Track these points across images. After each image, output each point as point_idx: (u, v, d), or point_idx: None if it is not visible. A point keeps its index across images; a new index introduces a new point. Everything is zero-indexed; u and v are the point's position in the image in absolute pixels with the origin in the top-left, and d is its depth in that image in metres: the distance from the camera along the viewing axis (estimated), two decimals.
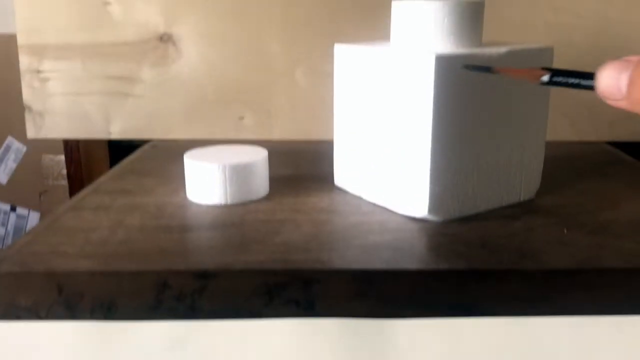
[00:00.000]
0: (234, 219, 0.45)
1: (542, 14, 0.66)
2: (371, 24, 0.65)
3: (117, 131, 0.70)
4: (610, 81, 0.22)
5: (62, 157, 0.90)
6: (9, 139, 0.95)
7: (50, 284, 0.28)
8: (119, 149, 0.78)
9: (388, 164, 0.45)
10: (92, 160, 0.84)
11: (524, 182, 0.47)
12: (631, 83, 0.22)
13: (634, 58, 0.22)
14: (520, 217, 0.45)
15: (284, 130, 0.70)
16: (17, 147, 0.95)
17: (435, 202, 0.43)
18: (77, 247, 0.39)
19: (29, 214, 0.95)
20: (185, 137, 0.70)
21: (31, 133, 0.71)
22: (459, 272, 0.31)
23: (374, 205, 0.47)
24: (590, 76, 0.25)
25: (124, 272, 0.30)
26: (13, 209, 0.95)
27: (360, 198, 0.49)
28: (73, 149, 0.81)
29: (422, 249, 0.39)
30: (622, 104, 0.22)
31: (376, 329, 0.27)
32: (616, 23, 0.66)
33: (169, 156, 0.62)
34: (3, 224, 0.95)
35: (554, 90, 0.49)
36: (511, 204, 0.47)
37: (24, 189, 0.96)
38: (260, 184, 0.49)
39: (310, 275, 0.29)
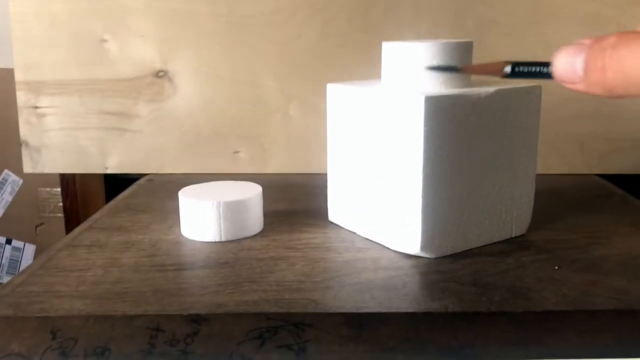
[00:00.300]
0: (228, 256, 0.45)
1: (531, 49, 0.67)
2: (364, 61, 0.67)
3: (114, 166, 0.71)
4: (567, 66, 0.23)
5: (59, 190, 0.90)
6: (5, 172, 0.95)
7: (44, 328, 0.28)
8: (115, 182, 0.79)
9: (381, 201, 0.46)
10: (88, 194, 0.84)
11: (515, 218, 0.48)
12: (587, 66, 0.22)
13: (586, 41, 0.23)
14: (512, 254, 0.45)
15: (279, 164, 0.70)
16: (13, 180, 0.95)
17: (428, 239, 0.43)
18: (71, 287, 0.39)
19: (24, 247, 0.95)
20: (181, 172, 0.70)
21: (28, 168, 0.72)
22: (450, 314, 0.32)
23: (368, 240, 0.48)
24: (549, 65, 0.26)
25: (117, 316, 0.30)
26: (8, 241, 0.95)
27: (354, 233, 0.50)
28: (69, 182, 0.81)
29: (415, 287, 0.39)
30: (580, 87, 0.23)
31: None
32: None
33: (164, 191, 0.63)
34: None
35: (545, 125, 0.50)
36: (503, 239, 0.48)
37: (20, 221, 0.96)
38: (255, 221, 0.50)
39: (302, 319, 0.29)
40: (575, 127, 0.68)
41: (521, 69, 0.27)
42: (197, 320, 0.29)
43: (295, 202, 0.59)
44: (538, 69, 0.28)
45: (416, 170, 0.42)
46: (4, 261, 0.95)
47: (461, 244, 0.45)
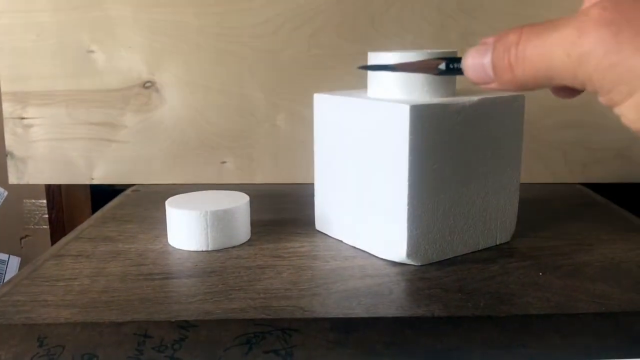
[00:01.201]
0: (215, 265, 0.45)
1: None
2: (351, 71, 0.67)
3: (100, 176, 0.71)
4: (477, 68, 0.23)
5: (44, 202, 0.90)
6: None
7: (31, 335, 0.28)
8: (101, 193, 0.79)
9: (367, 210, 0.46)
10: (74, 204, 0.83)
11: (500, 226, 0.49)
12: (494, 66, 0.23)
13: (490, 40, 0.24)
14: (497, 261, 0.46)
15: (266, 174, 0.71)
16: None
17: (414, 247, 0.44)
18: (57, 297, 0.39)
19: (9, 259, 0.94)
20: (168, 182, 0.70)
21: (13, 179, 0.71)
22: (436, 319, 0.32)
23: (355, 249, 0.48)
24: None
25: (104, 322, 0.30)
26: None
27: (340, 242, 0.50)
28: (55, 193, 0.81)
29: (401, 294, 0.40)
30: (493, 86, 0.23)
31: None
32: None
33: (150, 201, 0.63)
34: None
35: (529, 134, 0.51)
36: (488, 247, 0.48)
37: (4, 233, 0.95)
38: (242, 230, 0.50)
39: (289, 324, 0.29)
40: (558, 136, 0.70)
41: (455, 66, 0.27)
42: (184, 326, 0.29)
43: (282, 211, 0.59)
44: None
45: (402, 178, 0.43)
46: None
47: (447, 252, 0.46)
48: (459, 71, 0.28)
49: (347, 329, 0.29)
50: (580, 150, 0.70)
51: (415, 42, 0.68)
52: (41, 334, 0.28)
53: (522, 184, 0.50)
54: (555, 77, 0.22)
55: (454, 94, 0.46)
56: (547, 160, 0.70)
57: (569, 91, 0.27)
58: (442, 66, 0.27)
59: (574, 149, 0.70)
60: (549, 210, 0.60)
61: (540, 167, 0.70)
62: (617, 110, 0.22)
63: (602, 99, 0.22)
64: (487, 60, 0.23)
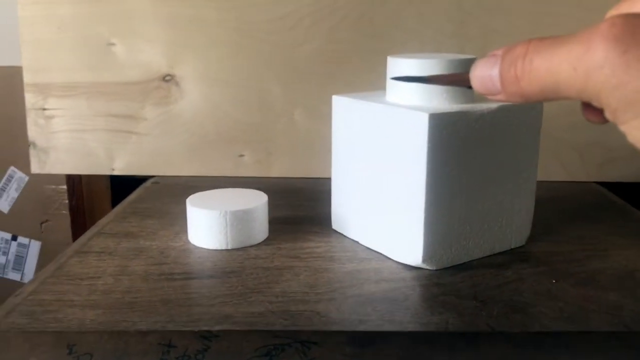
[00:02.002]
0: (234, 265, 0.46)
1: None
2: (369, 67, 0.68)
3: (120, 168, 0.72)
4: (484, 80, 0.24)
5: (64, 187, 0.92)
6: (11, 169, 0.96)
7: (61, 343, 0.30)
8: (121, 182, 0.80)
9: (383, 213, 0.47)
10: (94, 193, 0.85)
11: (515, 230, 0.49)
12: (501, 78, 0.23)
13: (498, 52, 0.24)
14: (511, 266, 0.46)
15: (282, 168, 0.71)
16: (19, 177, 0.96)
17: (429, 251, 0.44)
18: (82, 296, 0.41)
19: (29, 243, 0.96)
20: (186, 174, 0.71)
21: (35, 169, 0.73)
22: (449, 334, 0.33)
23: (370, 250, 0.49)
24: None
25: (130, 332, 0.31)
26: (14, 238, 0.96)
27: (357, 243, 0.51)
28: (75, 182, 0.82)
29: (416, 300, 0.40)
30: (500, 97, 0.24)
31: None
32: None
33: (170, 195, 0.64)
34: (4, 253, 0.96)
35: (546, 133, 0.51)
36: (503, 251, 0.49)
37: (25, 218, 0.97)
38: (260, 229, 0.51)
39: (308, 337, 0.30)
40: (575, 135, 0.69)
41: None
42: (207, 336, 0.30)
43: (299, 208, 0.60)
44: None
45: (419, 184, 0.43)
46: (9, 257, 0.97)
47: (462, 256, 0.46)
48: None
49: (362, 343, 0.30)
50: (597, 150, 0.70)
51: (434, 39, 0.68)
52: (70, 341, 0.30)
53: (538, 183, 0.50)
54: (562, 91, 0.22)
55: (473, 100, 0.47)
56: (564, 159, 0.70)
57: (600, 115, 0.27)
58: None
59: (590, 148, 0.70)
60: (564, 211, 0.60)
61: (556, 166, 0.70)
62: (622, 128, 0.22)
63: (607, 115, 0.22)
64: (494, 72, 0.24)
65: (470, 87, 0.27)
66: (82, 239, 0.52)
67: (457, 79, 0.27)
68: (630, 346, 0.33)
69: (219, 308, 0.39)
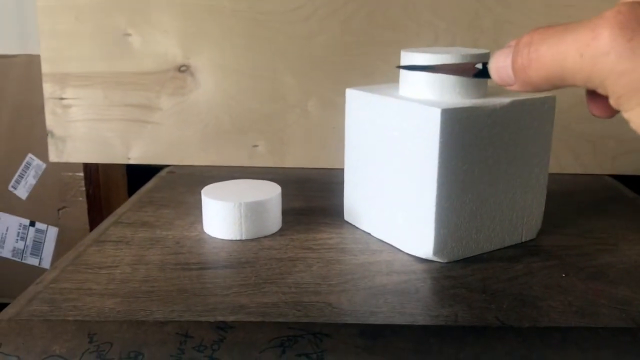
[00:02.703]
0: (249, 255, 0.47)
1: None
2: (382, 58, 0.68)
3: (136, 157, 0.73)
4: (500, 70, 0.24)
5: (81, 174, 0.93)
6: (29, 156, 0.98)
7: (82, 332, 0.31)
8: (136, 170, 0.81)
9: (395, 206, 0.48)
10: (110, 181, 0.86)
11: (525, 223, 0.50)
12: (513, 68, 0.24)
13: (513, 42, 0.24)
14: (521, 260, 0.47)
15: (296, 158, 0.72)
16: (37, 164, 0.98)
17: (440, 244, 0.45)
18: (101, 285, 0.42)
19: (47, 229, 0.98)
20: (201, 164, 0.72)
21: (53, 157, 0.74)
22: (459, 328, 0.34)
23: (382, 242, 0.50)
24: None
25: (149, 321, 0.32)
26: (32, 223, 0.98)
27: (369, 234, 0.51)
28: (92, 170, 0.84)
29: (426, 292, 0.41)
30: (515, 88, 0.24)
31: None
32: None
33: (185, 184, 0.65)
34: (22, 238, 0.98)
35: (559, 125, 0.51)
36: (513, 244, 0.49)
37: (43, 204, 0.99)
38: (274, 220, 0.52)
39: (321, 329, 0.31)
40: (588, 127, 0.69)
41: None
42: (223, 327, 0.31)
43: (312, 199, 0.61)
44: None
45: (431, 178, 0.44)
46: (27, 242, 0.99)
47: (472, 249, 0.47)
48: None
49: (374, 335, 0.31)
50: (610, 142, 0.70)
51: (448, 30, 0.68)
52: (91, 330, 0.31)
53: (550, 175, 0.50)
54: (568, 78, 0.22)
55: (486, 94, 0.47)
56: (577, 151, 0.70)
57: (605, 109, 0.27)
58: (480, 65, 0.27)
59: (603, 141, 0.70)
60: (575, 203, 0.60)
61: (569, 158, 0.70)
62: (626, 115, 0.22)
63: (612, 102, 0.22)
64: (508, 62, 0.24)
65: (474, 77, 0.27)
66: (100, 227, 0.53)
67: (462, 68, 0.28)
68: (637, 342, 0.33)
69: (234, 298, 0.40)
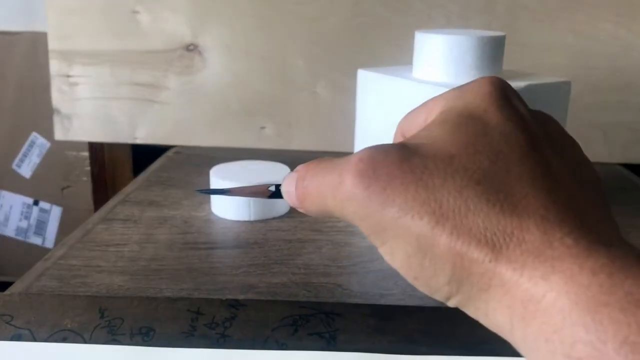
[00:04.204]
0: (257, 236, 0.47)
1: (561, 36, 0.67)
2: (393, 41, 0.67)
3: (143, 136, 0.73)
4: (288, 194, 0.25)
5: (86, 154, 0.93)
6: (34, 135, 0.97)
7: (93, 307, 0.30)
8: (142, 151, 0.81)
9: None
10: (115, 161, 0.86)
11: None
12: (296, 195, 0.25)
13: (300, 167, 0.25)
14: None
15: (304, 141, 0.71)
16: (41, 143, 0.97)
17: None
18: (110, 263, 0.42)
19: (51, 209, 0.98)
20: (208, 144, 0.72)
21: (59, 135, 0.73)
22: None
23: None
24: None
25: (160, 298, 0.32)
26: (36, 203, 0.98)
27: None
28: (97, 149, 0.83)
29: None
30: (301, 210, 0.25)
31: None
32: (634, 48, 0.67)
33: (193, 165, 0.64)
34: (26, 217, 0.98)
35: (569, 113, 0.51)
36: None
37: (47, 183, 0.98)
38: (283, 201, 0.51)
39: (333, 309, 0.31)
40: (599, 116, 0.69)
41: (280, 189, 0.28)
42: (234, 305, 0.31)
43: None
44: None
45: None
46: (31, 222, 0.98)
47: None
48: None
49: (386, 316, 0.31)
50: (622, 131, 0.69)
51: (461, 14, 0.67)
52: (102, 305, 0.31)
53: None
54: (332, 215, 0.24)
55: (501, 77, 0.46)
56: (587, 139, 0.69)
57: None
58: (272, 188, 0.28)
59: (614, 129, 0.69)
60: None
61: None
62: (379, 250, 0.23)
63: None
64: (292, 188, 0.25)
65: (268, 197, 0.27)
66: (107, 206, 0.53)
67: (257, 191, 0.28)
68: None
69: (243, 278, 0.40)
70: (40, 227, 0.98)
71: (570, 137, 0.25)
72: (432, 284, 0.22)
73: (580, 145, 0.27)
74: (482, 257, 0.20)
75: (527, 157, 0.22)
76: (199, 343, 0.29)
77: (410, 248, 0.21)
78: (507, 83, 0.25)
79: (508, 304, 0.20)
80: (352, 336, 0.30)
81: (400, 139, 0.27)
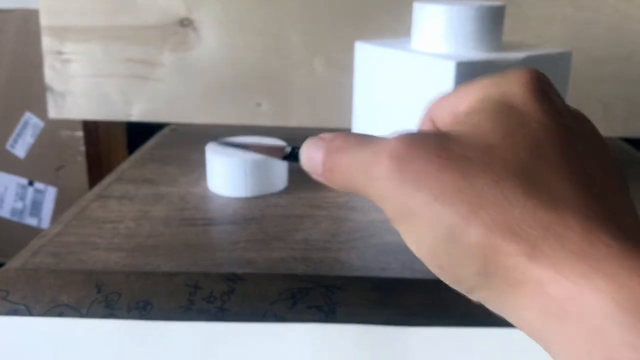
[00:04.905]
0: (255, 212, 0.46)
1: (561, 8, 0.66)
2: (391, 16, 0.66)
3: (137, 114, 0.72)
4: (309, 161, 0.25)
5: (80, 133, 0.92)
6: (27, 115, 0.96)
7: (90, 282, 0.30)
8: (137, 129, 0.80)
9: None
10: (110, 140, 0.85)
11: None
12: (322, 164, 0.24)
13: (327, 136, 0.24)
14: None
15: (301, 118, 0.71)
16: (34, 123, 0.96)
17: None
18: (106, 239, 0.41)
19: (46, 189, 0.97)
20: (204, 122, 0.71)
21: (52, 113, 0.72)
22: None
23: None
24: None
25: (158, 272, 0.31)
26: (31, 183, 0.97)
27: None
28: (92, 128, 0.82)
29: None
30: (321, 179, 0.25)
31: (392, 336, 0.29)
32: (635, 19, 0.66)
33: (188, 142, 0.63)
34: (21, 198, 0.97)
35: (569, 85, 0.50)
36: None
37: (41, 163, 0.97)
38: (280, 177, 0.51)
39: (333, 282, 0.31)
40: (599, 88, 0.68)
41: (297, 152, 0.27)
42: (232, 279, 0.30)
43: None
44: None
45: None
46: (26, 202, 0.98)
47: None
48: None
49: (387, 288, 0.31)
50: (622, 104, 0.68)
51: None
52: (99, 280, 0.30)
53: None
54: (358, 192, 0.23)
55: (501, 47, 0.45)
56: (587, 112, 0.69)
57: None
58: (288, 149, 0.27)
59: (615, 102, 0.68)
60: None
61: None
62: (402, 237, 0.22)
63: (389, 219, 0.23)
64: (319, 155, 0.25)
65: (283, 159, 0.27)
66: (103, 184, 0.52)
67: (272, 149, 0.28)
68: None
69: (241, 253, 0.39)
70: (36, 208, 0.98)
71: (602, 138, 0.25)
72: (458, 274, 0.21)
73: None
74: (517, 251, 0.19)
75: (565, 152, 0.21)
76: (197, 317, 0.29)
77: (438, 235, 0.20)
78: (545, 76, 0.24)
79: (541, 302, 0.19)
80: (352, 309, 0.30)
81: (429, 124, 0.26)
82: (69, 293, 0.29)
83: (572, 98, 0.67)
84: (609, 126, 0.69)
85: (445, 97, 0.26)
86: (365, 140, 0.23)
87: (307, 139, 0.25)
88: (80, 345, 0.28)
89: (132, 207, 0.47)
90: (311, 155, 0.25)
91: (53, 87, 0.72)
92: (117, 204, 0.47)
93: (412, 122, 0.45)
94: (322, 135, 0.25)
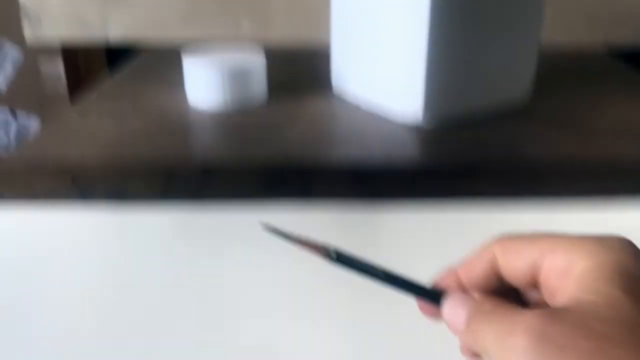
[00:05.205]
0: (234, 121, 0.46)
1: None
2: None
3: (116, 35, 0.70)
4: (453, 316, 0.25)
5: (61, 63, 0.90)
6: (5, 47, 0.94)
7: (64, 174, 0.30)
8: (116, 52, 0.78)
9: (385, 67, 0.46)
10: (90, 66, 0.83)
11: (516, 86, 0.49)
12: (467, 323, 0.24)
13: (477, 296, 0.24)
14: (511, 120, 0.46)
15: (282, 35, 0.69)
16: (13, 55, 0.94)
17: (429, 101, 0.44)
18: (84, 144, 0.41)
19: (30, 121, 0.96)
20: (183, 37, 0.69)
21: (29, 37, 0.71)
22: (446, 170, 0.33)
23: (372, 113, 0.49)
24: (377, 273, 0.25)
25: (134, 162, 0.31)
26: (14, 115, 0.96)
27: (358, 106, 0.50)
28: (71, 55, 0.81)
29: (415, 151, 0.41)
30: (458, 335, 0.24)
31: (367, 215, 0.29)
32: None
33: (168, 61, 0.63)
34: (6, 134, 0.96)
35: None
36: (503, 108, 0.49)
37: (22, 96, 0.96)
38: (259, 88, 0.50)
39: (310, 169, 0.31)
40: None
41: (345, 259, 0.25)
42: (209, 168, 0.31)
43: (299, 74, 0.59)
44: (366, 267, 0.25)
45: (421, 35, 0.42)
46: (11, 137, 0.97)
47: (462, 108, 0.46)
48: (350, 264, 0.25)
49: (364, 176, 0.31)
50: (605, 11, 0.67)
51: None
52: (74, 172, 0.30)
53: (544, 48, 0.49)
54: (487, 355, 0.23)
55: None
56: (568, 20, 0.68)
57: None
58: (333, 255, 0.25)
59: (597, 9, 0.67)
60: (570, 75, 0.59)
61: (560, 28, 0.68)
62: None
63: None
64: (464, 312, 0.24)
65: (329, 261, 0.24)
66: (82, 101, 0.52)
67: (317, 249, 0.25)
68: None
69: (219, 152, 0.39)
70: (21, 141, 0.97)
71: None
72: None
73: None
74: None
75: None
76: (174, 202, 0.29)
77: None
78: None
79: None
80: (330, 197, 0.30)
81: (488, 256, 0.25)
82: (42, 183, 0.29)
83: (554, 4, 0.66)
84: (591, 34, 0.68)
85: (510, 252, 0.24)
86: (505, 310, 0.23)
87: (453, 294, 0.25)
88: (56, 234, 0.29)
89: (112, 121, 0.46)
90: (457, 312, 0.25)
91: (28, 10, 0.70)
92: (97, 118, 0.47)
93: (391, 26, 0.44)
94: (469, 305, 0.24)
